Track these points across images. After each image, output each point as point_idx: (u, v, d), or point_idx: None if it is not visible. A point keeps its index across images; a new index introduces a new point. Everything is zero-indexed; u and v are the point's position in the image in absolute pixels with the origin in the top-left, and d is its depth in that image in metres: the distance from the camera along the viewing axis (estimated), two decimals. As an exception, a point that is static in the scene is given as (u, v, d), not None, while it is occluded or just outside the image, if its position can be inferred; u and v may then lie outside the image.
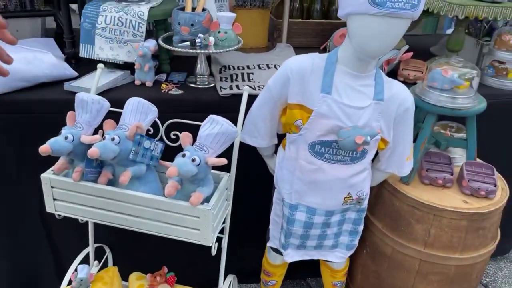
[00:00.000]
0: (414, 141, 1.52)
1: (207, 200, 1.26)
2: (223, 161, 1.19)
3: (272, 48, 2.17)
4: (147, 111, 1.32)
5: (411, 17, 1.11)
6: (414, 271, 1.54)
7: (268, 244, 1.59)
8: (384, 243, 1.59)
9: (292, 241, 1.48)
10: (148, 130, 1.44)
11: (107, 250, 1.86)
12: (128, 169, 1.26)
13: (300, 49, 2.05)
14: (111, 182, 1.31)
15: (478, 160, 1.66)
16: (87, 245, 1.69)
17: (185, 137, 1.24)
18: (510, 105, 1.86)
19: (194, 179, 1.23)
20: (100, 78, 1.54)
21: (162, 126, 1.43)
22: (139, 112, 1.31)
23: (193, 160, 1.18)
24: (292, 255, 1.52)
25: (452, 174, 1.53)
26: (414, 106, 1.35)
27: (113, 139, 1.22)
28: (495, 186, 1.47)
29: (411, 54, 1.88)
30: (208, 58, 1.93)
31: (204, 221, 1.24)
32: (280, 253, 1.56)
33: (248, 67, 1.87)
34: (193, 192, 1.23)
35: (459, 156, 1.69)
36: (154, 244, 1.62)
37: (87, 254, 1.70)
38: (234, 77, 1.76)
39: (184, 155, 1.20)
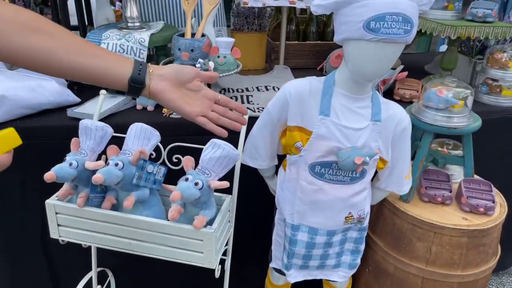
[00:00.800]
0: (412, 159, 1.54)
1: (210, 222, 1.28)
2: (225, 184, 1.21)
3: (270, 69, 2.22)
4: (150, 136, 1.34)
5: (404, 41, 1.15)
6: (417, 289, 1.55)
7: (271, 265, 1.60)
8: (386, 261, 1.60)
9: (295, 262, 1.49)
10: (151, 155, 1.47)
11: (110, 274, 1.86)
12: (132, 193, 1.28)
13: (297, 70, 2.10)
14: (115, 207, 1.33)
15: (476, 176, 1.68)
16: (89, 269, 1.69)
17: (187, 161, 1.26)
18: (505, 121, 1.89)
19: (197, 203, 1.25)
20: (103, 103, 1.57)
21: (164, 150, 1.46)
22: (142, 138, 1.33)
23: (196, 184, 1.20)
24: (295, 276, 1.53)
25: (450, 191, 1.56)
26: (410, 126, 1.38)
27: (117, 164, 1.24)
28: (493, 202, 1.49)
29: (406, 73, 1.92)
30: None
31: (208, 244, 1.25)
32: (283, 274, 1.57)
33: (247, 89, 1.91)
34: (196, 215, 1.25)
35: (457, 173, 1.71)
36: (156, 267, 1.63)
37: (90, 279, 1.70)
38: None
39: (187, 179, 1.22)
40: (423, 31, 1.81)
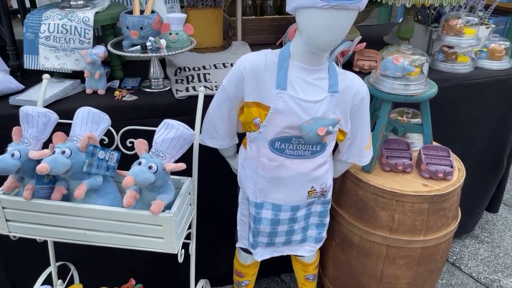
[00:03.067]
0: (372, 130, 1.54)
1: (168, 207, 1.23)
2: (182, 166, 1.17)
3: (228, 46, 2.15)
4: (99, 120, 1.27)
5: (357, 8, 1.12)
6: (382, 257, 1.57)
7: (237, 245, 1.58)
8: (352, 233, 1.61)
9: (261, 240, 1.47)
10: (103, 140, 1.39)
11: (72, 267, 1.79)
12: (83, 182, 1.21)
13: (256, 46, 2.04)
14: (67, 197, 1.26)
15: (435, 143, 1.70)
16: (49, 264, 1.61)
17: (140, 144, 1.20)
18: (461, 87, 1.92)
19: (153, 187, 1.20)
20: (48, 89, 1.47)
21: (117, 134, 1.39)
22: (90, 122, 1.26)
23: (150, 167, 1.14)
24: (262, 254, 1.51)
25: (411, 159, 1.57)
26: (369, 96, 1.36)
27: (63, 152, 1.17)
28: (451, 167, 1.51)
29: (364, 44, 1.90)
30: (163, 61, 1.89)
31: (167, 229, 1.21)
32: (250, 253, 1.55)
33: (204, 67, 1.84)
34: (153, 200, 1.20)
35: (417, 141, 1.73)
36: (120, 256, 1.57)
37: (50, 274, 1.63)
38: (190, 79, 1.73)
39: (140, 163, 1.16)
40: (378, 0, 1.79)
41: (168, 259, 1.36)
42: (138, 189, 1.22)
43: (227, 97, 1.33)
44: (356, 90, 1.32)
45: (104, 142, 1.39)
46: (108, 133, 1.38)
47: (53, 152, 1.17)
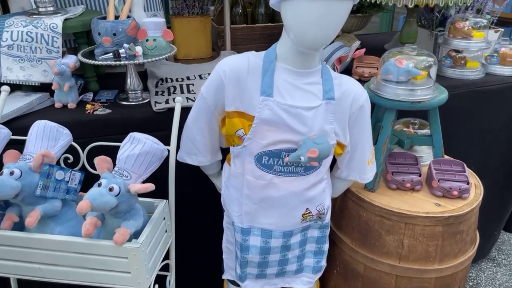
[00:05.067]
0: (375, 143, 1.36)
1: (137, 235, 1.05)
2: (149, 186, 0.99)
3: (217, 57, 2.00)
4: (57, 135, 1.10)
5: (351, -2, 0.96)
6: (391, 289, 1.36)
7: (224, 276, 1.38)
8: (355, 261, 1.41)
9: (250, 271, 1.28)
10: (67, 159, 1.22)
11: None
12: (37, 207, 1.03)
13: (246, 56, 1.88)
14: (21, 226, 1.08)
15: (446, 157, 1.51)
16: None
17: (101, 162, 1.03)
18: (472, 95, 1.75)
19: (116, 212, 1.02)
20: (11, 103, 1.32)
21: (83, 152, 1.22)
22: (47, 138, 1.09)
23: (111, 189, 0.97)
24: (252, 287, 1.31)
25: (420, 175, 1.38)
26: (369, 103, 1.19)
27: (12, 173, 1.00)
28: (467, 184, 1.32)
29: (363, 50, 1.74)
30: (144, 74, 1.74)
31: (134, 261, 1.02)
32: (239, 286, 1.35)
33: (188, 78, 1.68)
34: (118, 228, 1.02)
35: (425, 154, 1.54)
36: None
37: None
38: (172, 90, 1.56)
39: (99, 185, 0.98)
40: (378, 1, 1.64)
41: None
42: (101, 215, 1.04)
43: (206, 106, 1.16)
44: (354, 96, 1.15)
45: (68, 161, 1.22)
46: (73, 151, 1.22)
47: (1, 173, 1.00)
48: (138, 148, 1.01)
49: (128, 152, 1.01)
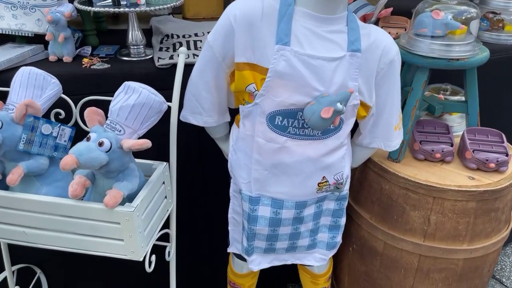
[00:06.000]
0: (403, 107, 1.21)
1: (131, 199, 0.93)
2: (144, 142, 0.86)
3: (229, 16, 1.84)
4: (43, 84, 0.97)
5: None
6: (413, 270, 1.23)
7: (229, 250, 1.26)
8: (374, 238, 1.28)
9: (257, 244, 1.16)
10: (58, 114, 1.10)
11: (38, 271, 1.50)
12: (20, 164, 0.92)
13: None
14: (4, 185, 0.97)
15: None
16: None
17: (91, 114, 0.90)
18: (509, 62, 1.57)
19: (108, 172, 0.89)
20: (4, 53, 1.21)
21: (76, 107, 1.09)
22: (32, 86, 0.96)
23: (101, 144, 0.84)
24: (259, 262, 1.20)
25: (452, 145, 1.23)
26: (400, 58, 1.04)
27: (-10, 123, 0.88)
28: (507, 155, 1.17)
29: (390, 9, 1.58)
30: (149, 31, 1.60)
31: (127, 228, 0.90)
32: (245, 260, 1.23)
33: (196, 34, 1.53)
34: (110, 189, 0.90)
35: (457, 124, 1.39)
36: (94, 260, 1.29)
37: (5, 280, 1.35)
38: (178, 46, 1.42)
39: (88, 139, 0.86)
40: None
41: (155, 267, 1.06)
42: (91, 174, 0.93)
43: (213, 57, 1.02)
44: (384, 49, 1.00)
45: (60, 117, 1.10)
46: (66, 107, 1.10)
47: (-20, 124, 0.89)
48: (132, 99, 0.88)
49: (122, 103, 0.88)
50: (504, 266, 1.97)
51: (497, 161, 1.15)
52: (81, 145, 0.84)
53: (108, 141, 0.84)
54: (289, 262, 1.24)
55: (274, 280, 1.79)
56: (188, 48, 1.41)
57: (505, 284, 1.88)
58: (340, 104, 0.91)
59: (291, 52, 0.93)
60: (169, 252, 1.15)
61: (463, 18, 1.09)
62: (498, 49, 1.56)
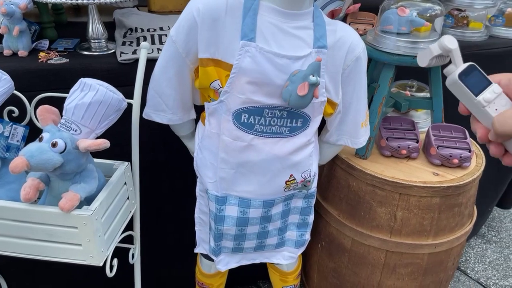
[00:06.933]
0: (369, 104, 1.21)
1: (89, 201, 0.89)
2: (100, 143, 0.82)
3: (196, 10, 1.79)
4: (-8, 80, 0.91)
5: None
6: (379, 265, 1.24)
7: (196, 250, 1.23)
8: (342, 234, 1.28)
9: (225, 244, 1.14)
10: (12, 112, 1.04)
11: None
12: (-33, 166, 0.86)
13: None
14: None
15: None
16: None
17: (44, 112, 0.85)
18: (475, 58, 1.59)
19: (63, 174, 0.85)
20: None
21: (30, 104, 1.03)
22: (-21, 83, 0.90)
23: (54, 144, 0.79)
24: (227, 262, 1.18)
25: (417, 142, 1.24)
26: (366, 55, 1.03)
27: None
28: (469, 151, 1.19)
29: (358, 5, 1.57)
30: (112, 24, 1.54)
31: (85, 232, 0.86)
32: (213, 260, 1.21)
33: (161, 28, 1.48)
34: (65, 192, 0.85)
35: (423, 120, 1.40)
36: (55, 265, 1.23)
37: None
38: (142, 40, 1.37)
39: (41, 139, 0.81)
40: None
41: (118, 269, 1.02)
42: (45, 176, 0.87)
43: (176, 53, 0.98)
44: (350, 45, 0.99)
45: (13, 115, 1.04)
46: (20, 104, 1.03)
47: None
48: (89, 96, 0.83)
49: (77, 101, 0.83)
50: (468, 258, 2.03)
51: (460, 157, 1.17)
52: (32, 146, 0.79)
53: (63, 141, 0.80)
54: (257, 261, 1.22)
55: (244, 277, 1.78)
56: (153, 42, 1.37)
57: (470, 275, 1.94)
58: (313, 76, 0.88)
59: (256, 48, 0.91)
60: (133, 254, 1.12)
61: (428, 15, 1.10)
62: (462, 45, 1.56)
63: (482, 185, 1.45)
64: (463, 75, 0.55)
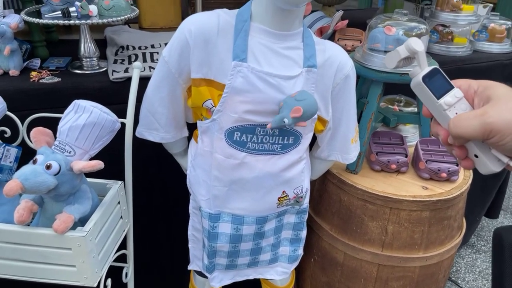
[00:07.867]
0: (359, 120, 1.23)
1: (83, 222, 0.89)
2: (95, 164, 0.82)
3: (187, 27, 1.81)
4: (-15, 102, 0.91)
5: None
6: (372, 279, 1.26)
7: (190, 267, 1.23)
8: (335, 249, 1.29)
9: (218, 261, 1.14)
10: (4, 133, 1.04)
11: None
12: (-41, 189, 0.86)
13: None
14: None
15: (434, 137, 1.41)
16: None
17: (38, 134, 0.86)
18: (459, 72, 1.64)
19: (57, 195, 0.85)
20: None
21: (23, 124, 1.04)
22: (-28, 105, 0.90)
23: (48, 167, 0.80)
24: (221, 279, 1.18)
25: (406, 156, 1.27)
26: (355, 73, 1.06)
27: None
28: (457, 165, 1.22)
29: (346, 21, 1.61)
30: (103, 42, 1.55)
31: (80, 253, 0.86)
32: (207, 277, 1.21)
33: (152, 46, 1.50)
34: (59, 213, 0.85)
35: (411, 135, 1.43)
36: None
37: None
38: (133, 58, 1.38)
39: (35, 161, 0.81)
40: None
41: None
42: (38, 198, 0.88)
43: (168, 73, 1.00)
44: (339, 65, 1.01)
45: (5, 136, 1.04)
46: (12, 125, 1.04)
47: None
48: (83, 118, 0.84)
49: (72, 122, 0.84)
50: (459, 268, 2.06)
51: (448, 171, 1.20)
52: (26, 169, 0.79)
53: (57, 163, 0.80)
54: (251, 277, 1.22)
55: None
56: (144, 60, 1.38)
57: (461, 285, 1.96)
58: (304, 106, 0.90)
59: (248, 68, 0.92)
60: (126, 273, 1.11)
61: (414, 34, 1.13)
62: (447, 60, 1.63)
63: (470, 195, 1.48)
64: (427, 78, 0.56)
